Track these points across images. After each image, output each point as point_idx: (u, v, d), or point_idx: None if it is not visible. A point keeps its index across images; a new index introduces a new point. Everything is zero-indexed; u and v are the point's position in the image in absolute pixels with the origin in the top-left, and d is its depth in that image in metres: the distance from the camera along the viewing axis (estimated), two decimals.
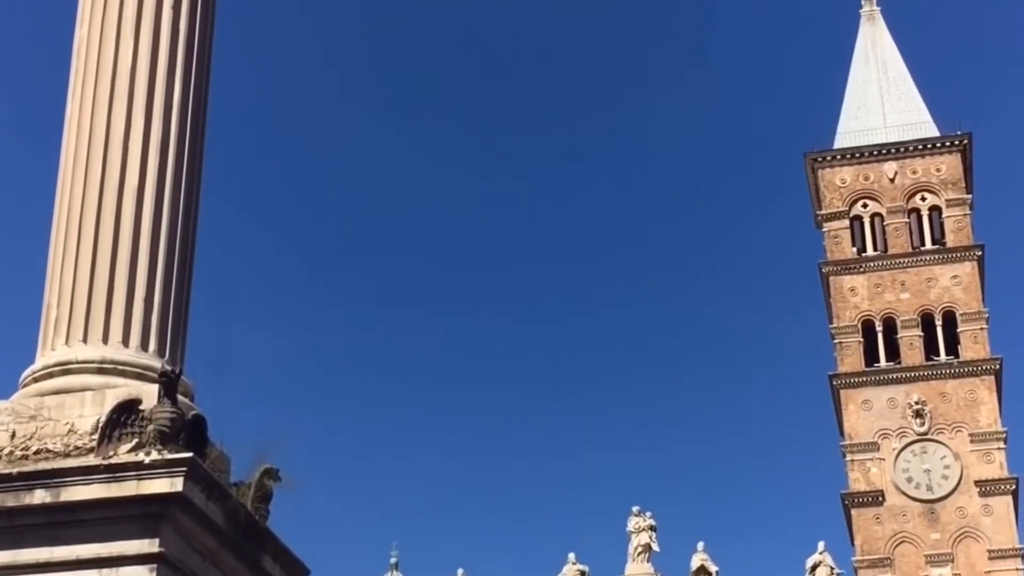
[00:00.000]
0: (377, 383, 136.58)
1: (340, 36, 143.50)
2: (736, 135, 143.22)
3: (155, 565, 10.47)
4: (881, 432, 71.72)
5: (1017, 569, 68.21)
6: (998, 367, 72.18)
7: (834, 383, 73.59)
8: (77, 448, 10.98)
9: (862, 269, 75.66)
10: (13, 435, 11.20)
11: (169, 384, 11.28)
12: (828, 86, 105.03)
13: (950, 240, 75.40)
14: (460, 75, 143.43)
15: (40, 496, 10.69)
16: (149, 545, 10.51)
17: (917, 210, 76.61)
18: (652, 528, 63.68)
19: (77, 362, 11.83)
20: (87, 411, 11.25)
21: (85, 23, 13.06)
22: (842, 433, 72.89)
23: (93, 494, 10.64)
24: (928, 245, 75.80)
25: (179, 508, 10.68)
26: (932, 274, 74.64)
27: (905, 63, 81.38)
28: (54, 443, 11.05)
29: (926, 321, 73.79)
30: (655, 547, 63.54)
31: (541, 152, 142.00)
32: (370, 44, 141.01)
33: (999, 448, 70.70)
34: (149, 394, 11.27)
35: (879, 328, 74.03)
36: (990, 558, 68.29)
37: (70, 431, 11.12)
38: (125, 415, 11.07)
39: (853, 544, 70.73)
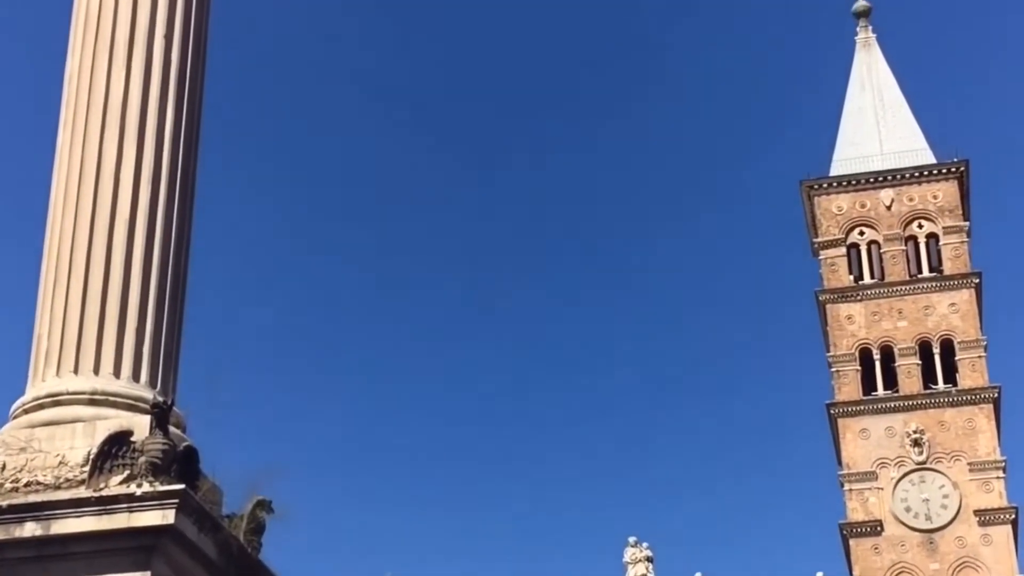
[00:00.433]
0: (374, 415, 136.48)
1: (340, 36, 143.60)
2: (732, 162, 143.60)
3: None
4: (879, 461, 71.43)
5: None
6: (996, 395, 71.91)
7: (832, 412, 73.26)
8: (68, 480, 10.88)
9: (859, 297, 75.43)
10: (3, 467, 11.10)
11: (161, 415, 11.19)
12: (824, 113, 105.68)
13: (947, 268, 75.22)
14: (460, 75, 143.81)
15: (31, 529, 10.58)
16: None
17: (914, 237, 76.45)
18: (649, 559, 63.38)
19: (68, 393, 11.72)
20: (78, 443, 11.14)
21: (76, 53, 13.01)
22: (840, 462, 72.64)
23: (84, 527, 10.53)
24: (925, 273, 75.56)
25: (171, 540, 10.57)
26: (930, 302, 74.42)
27: (901, 89, 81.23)
28: (44, 475, 10.95)
29: (924, 349, 73.56)
30: None
31: (540, 163, 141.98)
32: (370, 44, 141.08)
33: (998, 477, 70.39)
34: (140, 425, 11.17)
35: (877, 356, 73.78)
36: None
37: (61, 463, 11.01)
38: (116, 447, 10.98)
39: (852, 574, 70.41)
